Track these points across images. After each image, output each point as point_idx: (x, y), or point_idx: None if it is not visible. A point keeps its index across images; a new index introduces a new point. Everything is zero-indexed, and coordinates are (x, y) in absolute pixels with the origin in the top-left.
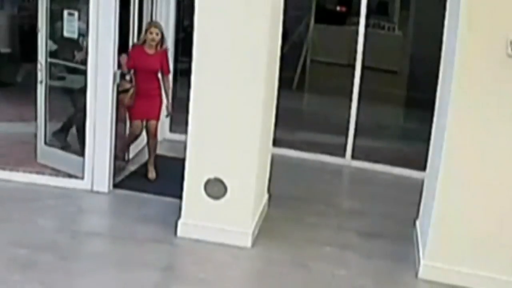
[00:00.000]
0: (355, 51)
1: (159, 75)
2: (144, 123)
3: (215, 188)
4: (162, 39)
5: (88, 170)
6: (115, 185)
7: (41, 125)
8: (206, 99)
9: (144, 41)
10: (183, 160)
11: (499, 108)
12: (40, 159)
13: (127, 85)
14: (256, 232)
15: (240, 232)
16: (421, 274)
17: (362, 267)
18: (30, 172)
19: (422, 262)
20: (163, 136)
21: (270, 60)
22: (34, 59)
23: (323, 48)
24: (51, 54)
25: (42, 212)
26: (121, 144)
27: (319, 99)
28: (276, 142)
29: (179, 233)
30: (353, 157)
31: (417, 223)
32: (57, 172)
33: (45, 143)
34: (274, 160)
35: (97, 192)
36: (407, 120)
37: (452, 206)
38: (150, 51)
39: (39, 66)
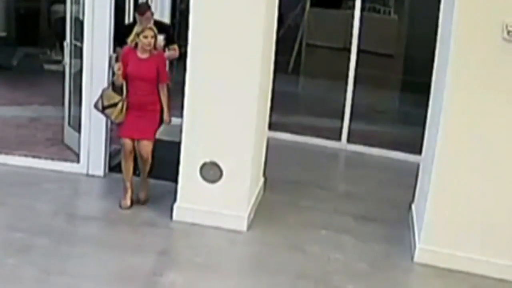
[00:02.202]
0: (351, 35)
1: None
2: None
3: (211, 172)
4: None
5: (84, 153)
6: (111, 169)
7: (66, 107)
8: (202, 83)
9: (136, 44)
10: (178, 144)
11: (495, 91)
12: (66, 141)
13: (116, 98)
14: (252, 215)
15: (236, 215)
16: (417, 257)
17: (358, 251)
18: (26, 156)
19: (417, 245)
20: None
21: (265, 44)
22: (30, 42)
23: (319, 31)
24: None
25: (38, 195)
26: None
27: (314, 83)
28: (272, 126)
29: (174, 216)
30: (349, 140)
31: (413, 206)
32: (65, 156)
33: (69, 124)
34: (269, 144)
35: (93, 176)
36: (402, 103)
37: (448, 189)
38: (143, 55)
39: (65, 47)
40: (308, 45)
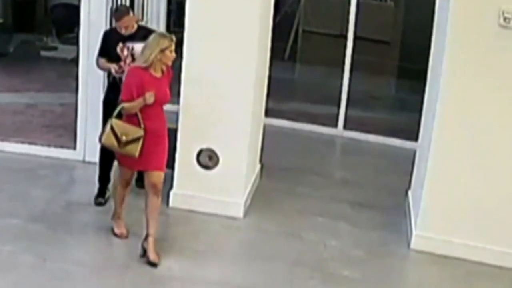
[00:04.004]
0: (347, 21)
1: None
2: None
3: (207, 159)
4: None
5: (80, 140)
6: None
7: None
8: (198, 69)
9: (152, 63)
10: (175, 131)
11: (491, 78)
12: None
13: (137, 131)
14: (249, 202)
15: (232, 202)
16: (413, 244)
17: (354, 238)
18: (22, 142)
19: (414, 232)
20: None
21: (262, 31)
22: (26, 29)
23: (315, 18)
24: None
25: (34, 182)
26: (114, 212)
27: (311, 69)
28: (268, 112)
29: (171, 203)
30: (345, 127)
31: (409, 193)
32: (61, 143)
33: None
34: (266, 130)
35: (89, 163)
36: (399, 90)
37: (444, 176)
38: (158, 74)
39: None
40: (304, 31)
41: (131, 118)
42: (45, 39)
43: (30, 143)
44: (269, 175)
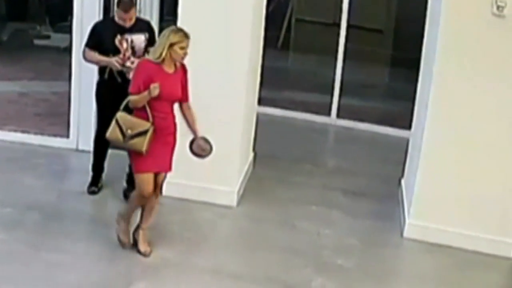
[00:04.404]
0: (340, 10)
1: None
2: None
3: (201, 147)
4: None
5: (74, 129)
6: None
7: None
8: (191, 57)
9: (163, 59)
10: None
11: (484, 66)
12: None
13: (144, 124)
14: (242, 191)
15: (226, 191)
16: (406, 233)
17: (348, 226)
18: (15, 131)
19: (407, 221)
20: None
21: (255, 19)
22: (20, 18)
23: (308, 6)
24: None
25: (27, 171)
26: (122, 218)
27: (304, 58)
28: (261, 101)
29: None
30: (339, 116)
31: (403, 182)
32: (54, 132)
33: None
34: (259, 119)
35: (83, 151)
36: (392, 79)
37: (437, 165)
38: (170, 70)
39: None
40: (297, 20)
41: (140, 113)
42: (38, 27)
43: (23, 132)
44: (262, 164)
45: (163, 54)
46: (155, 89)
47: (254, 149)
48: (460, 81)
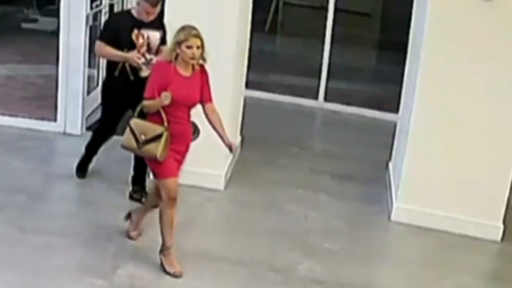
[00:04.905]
0: None
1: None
2: None
3: None
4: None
5: (61, 112)
6: (88, 128)
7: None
8: None
9: (176, 57)
10: None
11: (472, 50)
12: None
13: (158, 128)
14: (229, 174)
15: (213, 174)
16: (394, 216)
17: (335, 210)
18: (3, 114)
19: (394, 204)
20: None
21: (242, 2)
22: (7, 1)
23: None
24: None
25: (14, 154)
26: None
27: (291, 41)
28: (249, 85)
29: (151, 175)
30: (326, 99)
31: (390, 165)
32: (42, 115)
33: None
34: (246, 102)
35: (70, 135)
36: (380, 62)
37: (425, 148)
38: (186, 73)
39: None
40: (285, 3)
41: (155, 118)
42: (25, 11)
43: (10, 115)
44: (250, 147)
45: (172, 54)
46: (166, 98)
47: (241, 133)
48: (448, 64)
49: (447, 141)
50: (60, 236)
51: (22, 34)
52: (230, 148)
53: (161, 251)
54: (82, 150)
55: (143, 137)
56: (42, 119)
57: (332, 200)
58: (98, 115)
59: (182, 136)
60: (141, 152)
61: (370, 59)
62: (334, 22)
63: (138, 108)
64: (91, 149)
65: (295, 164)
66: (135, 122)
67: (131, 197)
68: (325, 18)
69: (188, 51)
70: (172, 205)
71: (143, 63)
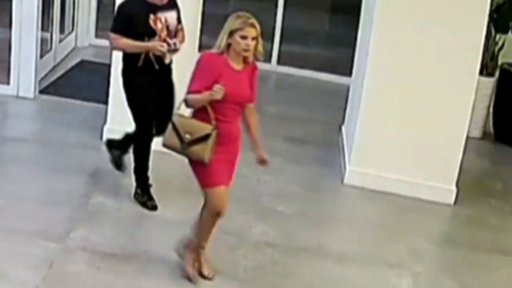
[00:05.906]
0: None
1: None
2: None
3: None
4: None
5: (14, 75)
6: (41, 91)
7: None
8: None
9: (228, 47)
10: (109, 66)
11: (424, 12)
12: None
13: (206, 127)
14: None
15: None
16: (347, 179)
17: (288, 173)
18: None
19: (347, 167)
20: (89, 41)
21: None
22: None
23: None
24: None
25: None
26: (187, 247)
27: (244, 4)
28: (201, 48)
29: (104, 138)
30: (279, 62)
31: (343, 128)
32: None
33: None
34: None
35: (23, 98)
36: (333, 25)
37: (377, 111)
38: (238, 66)
39: None
40: None
41: (201, 115)
42: None
43: None
44: None
45: (222, 44)
46: (218, 91)
47: None
48: (400, 27)
49: (400, 104)
50: (13, 198)
51: None
52: (262, 162)
53: (187, 246)
54: (35, 113)
55: (188, 137)
56: None
57: (285, 164)
58: (51, 78)
59: (231, 136)
60: (186, 153)
61: (324, 22)
62: None
63: (180, 102)
64: (143, 160)
65: None
66: (179, 119)
67: (136, 198)
68: None
69: (242, 42)
70: (214, 222)
71: (168, 50)
